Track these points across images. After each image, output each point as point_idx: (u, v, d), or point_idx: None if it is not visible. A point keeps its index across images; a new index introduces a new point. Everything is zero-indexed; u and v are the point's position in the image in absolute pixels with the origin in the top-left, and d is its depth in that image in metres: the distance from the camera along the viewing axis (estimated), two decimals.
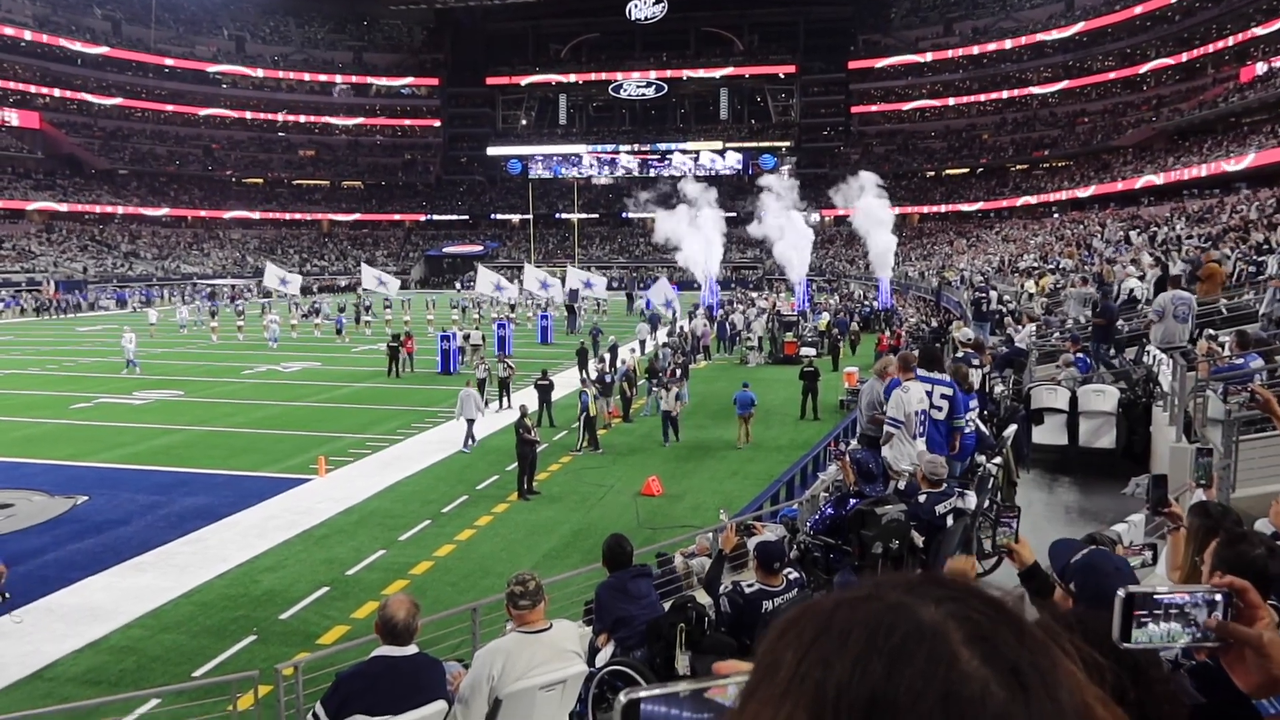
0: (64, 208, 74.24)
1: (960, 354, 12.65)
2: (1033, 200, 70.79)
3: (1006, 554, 3.58)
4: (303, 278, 53.88)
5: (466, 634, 6.77)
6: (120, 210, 78.96)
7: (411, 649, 4.67)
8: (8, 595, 9.84)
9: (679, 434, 20.36)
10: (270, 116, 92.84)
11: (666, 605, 6.28)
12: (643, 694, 0.99)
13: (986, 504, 8.37)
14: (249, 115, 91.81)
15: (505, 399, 23.95)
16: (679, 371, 24.75)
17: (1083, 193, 64.07)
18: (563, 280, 47.75)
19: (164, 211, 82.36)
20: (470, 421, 19.74)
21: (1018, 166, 79.27)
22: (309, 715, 4.71)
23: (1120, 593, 1.42)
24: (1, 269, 63.29)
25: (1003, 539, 3.94)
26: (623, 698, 0.99)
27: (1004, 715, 0.52)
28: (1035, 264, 36.44)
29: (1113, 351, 15.12)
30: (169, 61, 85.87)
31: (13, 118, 75.10)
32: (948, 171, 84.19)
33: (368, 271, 46.97)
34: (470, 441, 19.71)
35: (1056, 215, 62.52)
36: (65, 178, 77.57)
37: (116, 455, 18.79)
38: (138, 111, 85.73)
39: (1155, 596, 1.40)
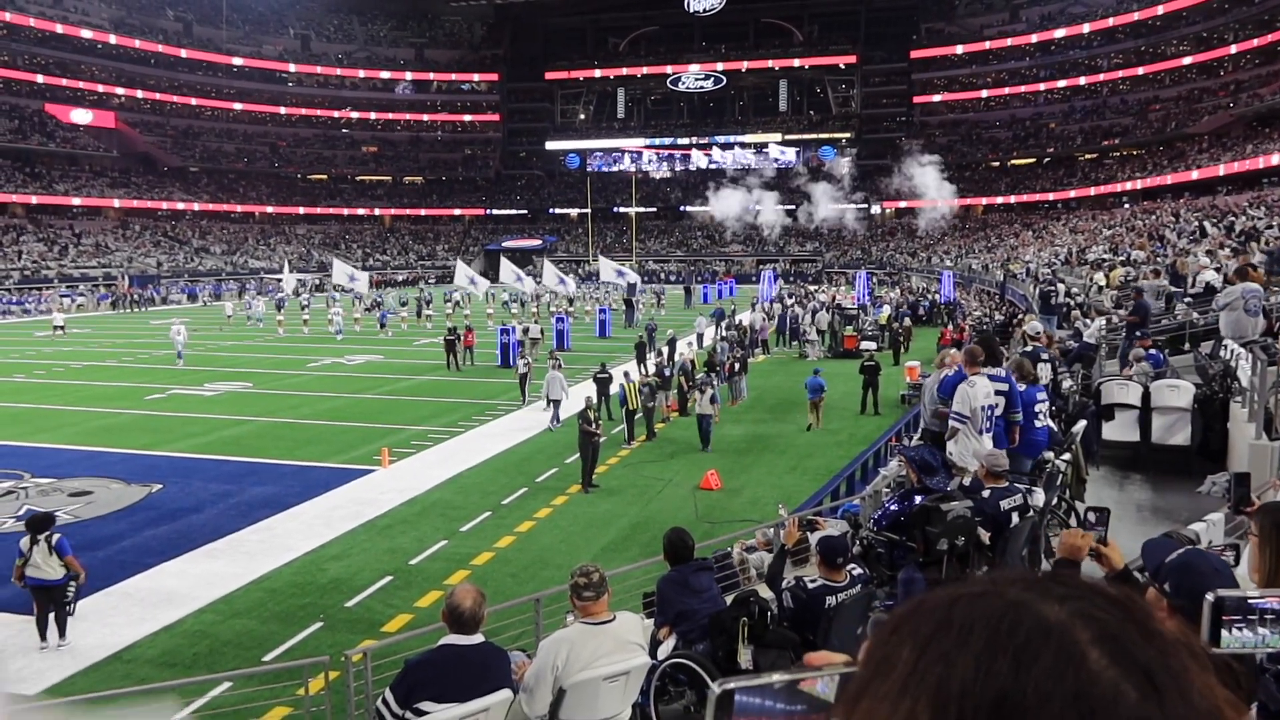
0: (138, 204, 76.50)
1: (1029, 348, 12.40)
2: (1102, 190, 69.03)
3: (1095, 557, 3.47)
4: (368, 273, 54.35)
5: (529, 624, 6.83)
6: (191, 207, 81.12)
7: (478, 638, 4.73)
8: (72, 608, 10.11)
9: (708, 443, 19.00)
10: (334, 114, 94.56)
11: (727, 599, 6.27)
12: (736, 684, 0.99)
13: (1054, 500, 8.20)
14: (314, 113, 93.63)
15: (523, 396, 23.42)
16: (738, 365, 24.69)
17: (1155, 182, 62.28)
18: (595, 274, 47.52)
19: (232, 208, 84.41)
20: (556, 402, 20.85)
21: (1087, 156, 77.27)
22: (378, 701, 4.80)
23: (1209, 597, 1.39)
24: (80, 264, 65.42)
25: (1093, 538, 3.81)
26: (716, 687, 0.99)
27: (1138, 717, 0.51)
28: (1105, 256, 35.52)
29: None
30: (238, 61, 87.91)
31: (90, 117, 77.59)
32: (1013, 161, 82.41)
33: (461, 269, 46.63)
34: (555, 422, 20.68)
35: (1127, 205, 60.89)
36: (139, 175, 79.91)
37: (189, 445, 19.32)
38: (208, 110, 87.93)
39: (1249, 601, 1.36)
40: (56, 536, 9.74)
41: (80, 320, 48.48)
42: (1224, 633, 1.40)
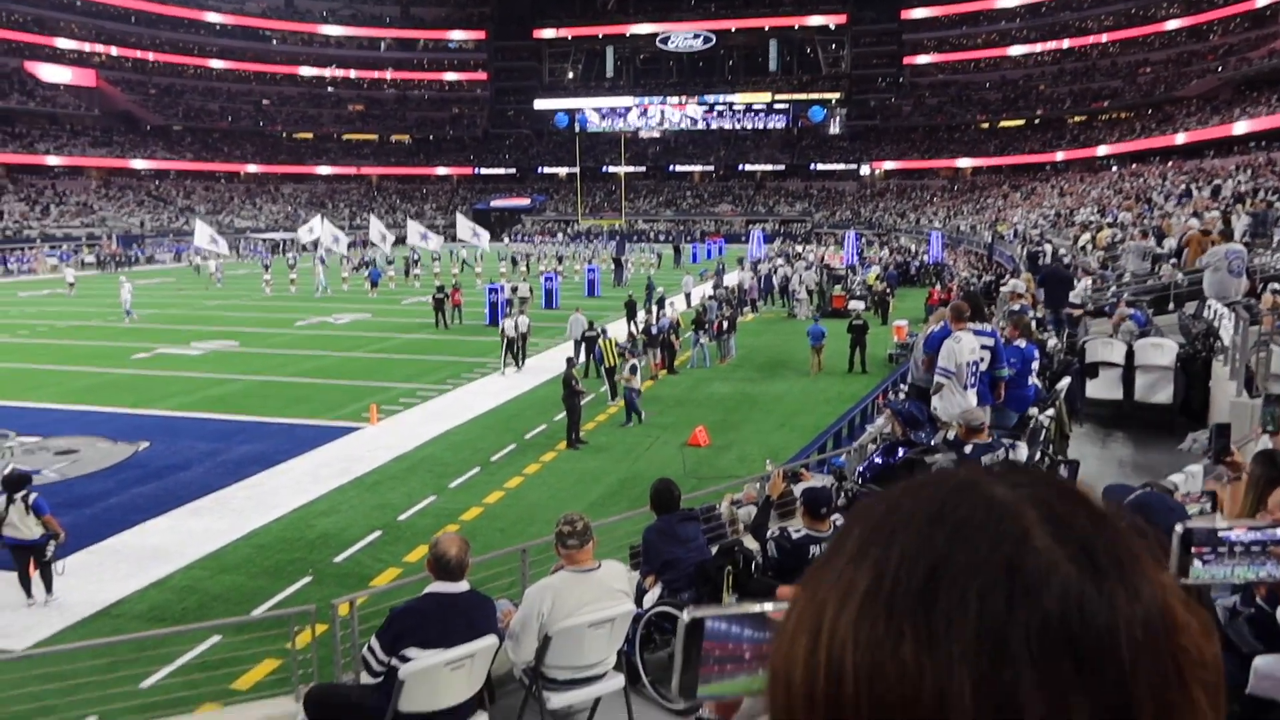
0: (120, 164, 75.53)
1: (1015, 306, 12.44)
2: (1091, 152, 68.88)
3: None
4: (352, 233, 54.08)
5: (516, 575, 6.88)
6: (175, 166, 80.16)
7: (463, 585, 4.76)
8: (60, 569, 10.14)
9: (640, 415, 17.91)
10: (319, 72, 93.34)
11: (713, 550, 6.33)
12: (705, 612, 0.99)
13: (1038, 456, 8.28)
14: (298, 71, 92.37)
15: (517, 360, 23.09)
16: (726, 324, 24.71)
17: (1143, 145, 62.17)
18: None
19: (217, 167, 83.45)
20: (577, 343, 22.14)
21: (1076, 118, 77.09)
22: (364, 649, 4.84)
23: (1178, 528, 1.39)
24: (63, 224, 64.71)
25: None
26: (686, 615, 0.99)
27: (1072, 593, 0.50)
28: (1092, 218, 35.57)
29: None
30: (219, 18, 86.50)
31: (70, 76, 76.33)
32: (1003, 123, 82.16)
33: (462, 222, 46.92)
34: (580, 359, 21.38)
35: (1115, 168, 60.79)
36: (121, 134, 78.80)
37: (175, 404, 19.26)
38: (190, 68, 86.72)
39: (1219, 533, 1.37)
40: (34, 496, 9.69)
41: (59, 281, 48.04)
42: (1193, 564, 1.40)
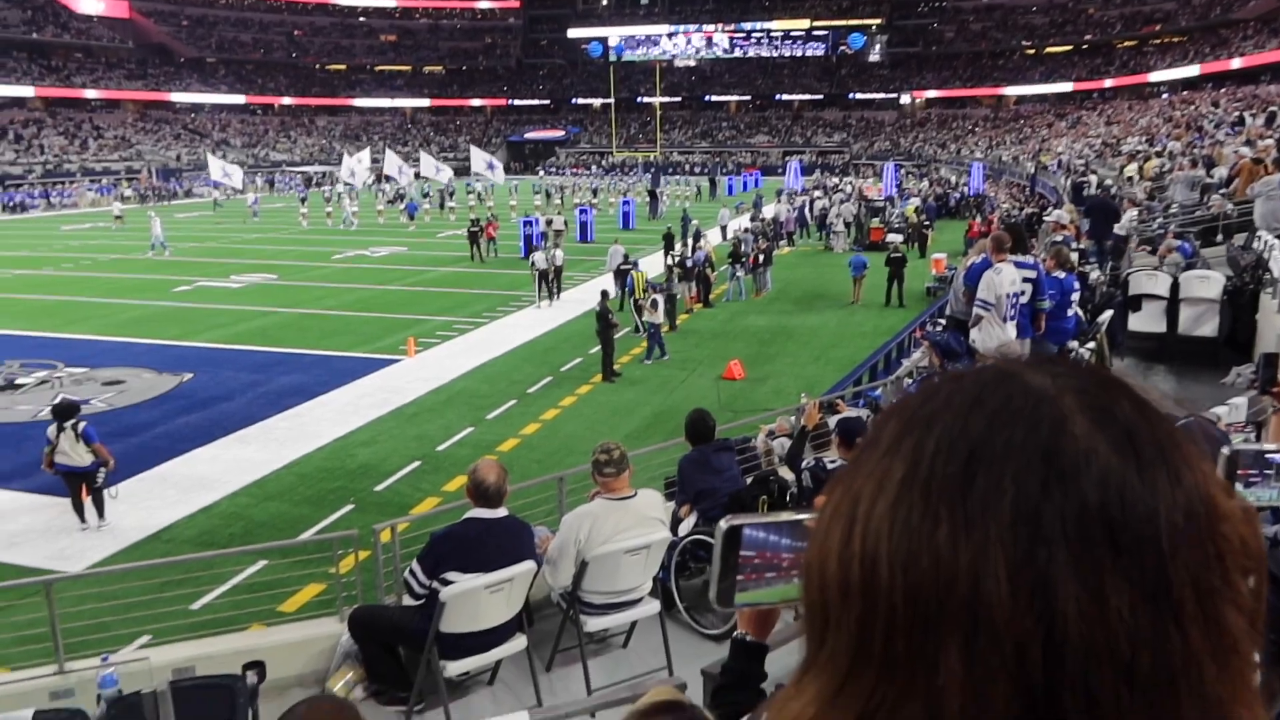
0: (157, 97, 75.64)
1: (1058, 238, 12.21)
2: (1141, 79, 66.62)
3: None
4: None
5: (553, 503, 6.97)
6: (210, 99, 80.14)
7: (502, 511, 4.84)
8: (113, 493, 10.46)
9: (664, 351, 17.80)
10: (352, 2, 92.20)
11: (748, 481, 6.37)
12: (743, 520, 0.99)
13: None
14: (331, 0, 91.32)
15: (552, 293, 23.06)
16: (762, 257, 24.52)
17: (1196, 71, 59.99)
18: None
19: (251, 100, 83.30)
20: (616, 274, 22.09)
21: (1125, 43, 74.31)
22: (405, 572, 4.95)
23: (1224, 450, 1.37)
24: (102, 158, 65.19)
25: None
26: (724, 523, 1.00)
27: (1111, 478, 0.49)
28: (1140, 147, 34.57)
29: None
30: None
31: (102, 7, 76.08)
32: (1049, 49, 79.44)
33: (476, 155, 46.78)
34: (618, 291, 21.27)
35: (1165, 95, 58.81)
36: (156, 68, 78.74)
37: (217, 336, 19.56)
38: None
39: (1265, 455, 1.35)
40: (82, 424, 9.96)
41: (105, 214, 48.59)
42: (1238, 487, 1.38)
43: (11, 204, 52.27)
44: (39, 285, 26.18)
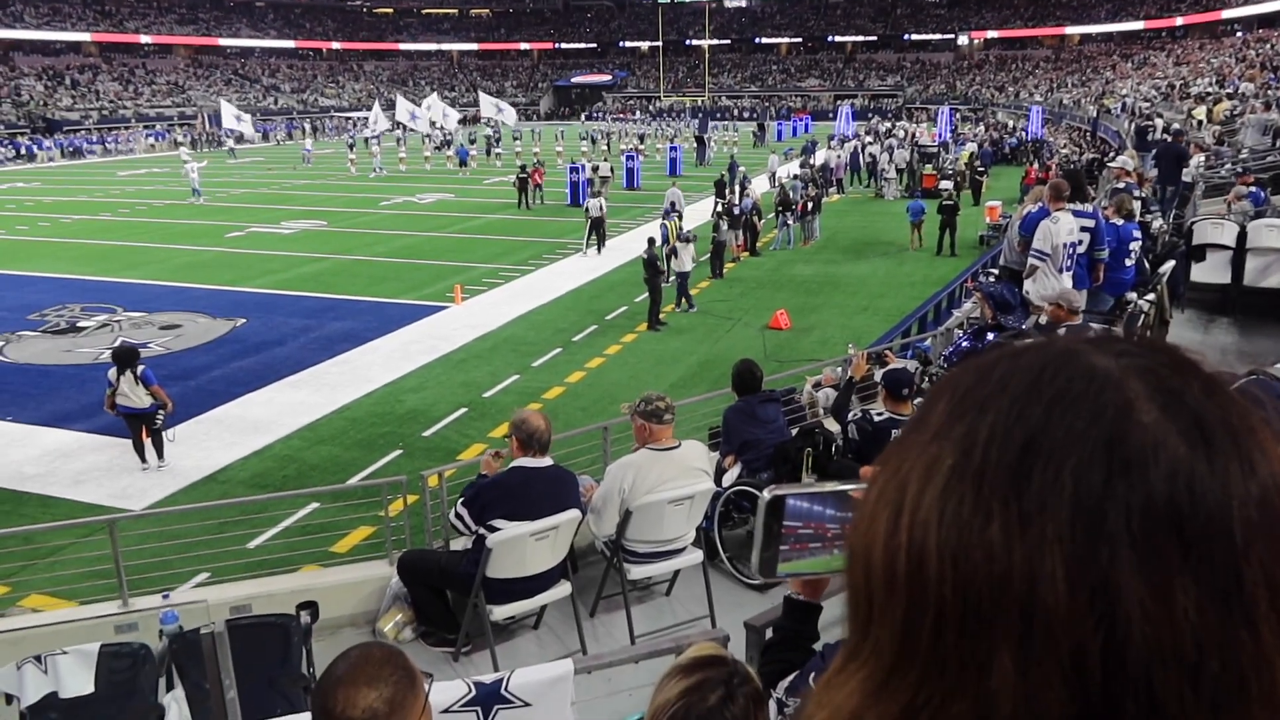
0: (208, 42, 76.10)
1: (1121, 185, 11.85)
2: (1215, 16, 63.86)
3: None
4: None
5: (597, 452, 7.02)
6: (259, 43, 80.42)
7: (547, 461, 4.88)
8: (171, 436, 10.75)
9: (691, 302, 17.58)
10: None
11: (793, 432, 6.34)
12: (786, 490, 0.97)
13: None
14: None
15: (601, 240, 22.79)
16: (811, 205, 24.18)
17: (1276, 5, 57.26)
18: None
19: (299, 44, 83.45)
20: (679, 214, 21.85)
21: None
22: (451, 513, 5.02)
23: None
24: (155, 103, 65.94)
25: None
26: (766, 493, 0.98)
27: (1180, 470, 0.46)
28: (1210, 89, 33.29)
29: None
30: None
31: None
32: None
33: (485, 100, 46.69)
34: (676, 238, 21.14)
35: (1240, 34, 56.38)
36: (206, 12, 79.12)
37: (269, 281, 19.84)
38: None
39: None
40: (141, 367, 10.20)
41: (159, 160, 49.29)
42: None
43: (70, 149, 53.18)
44: (97, 230, 26.72)
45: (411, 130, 48.22)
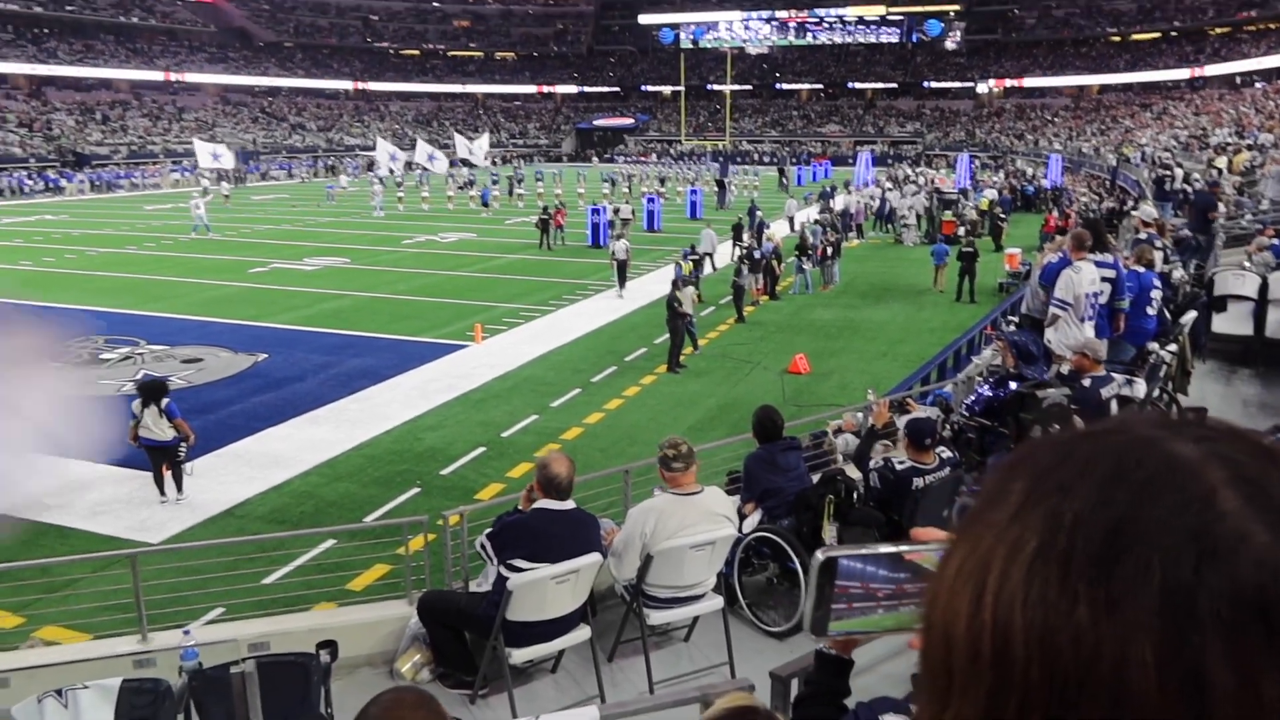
0: (236, 80, 77.57)
1: (1142, 235, 11.85)
2: (1233, 68, 64.05)
3: None
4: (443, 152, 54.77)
5: (616, 494, 7.01)
6: (286, 83, 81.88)
7: (570, 504, 4.88)
8: (190, 469, 10.82)
9: (695, 344, 17.38)
10: None
11: (814, 479, 6.32)
12: (839, 552, 0.98)
13: (1156, 393, 7.96)
14: None
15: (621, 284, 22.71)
16: (830, 250, 24.25)
17: None
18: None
19: (327, 84, 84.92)
20: (709, 255, 24.04)
21: (1218, 29, 71.54)
22: (477, 543, 5.02)
23: None
24: (183, 139, 67.02)
25: None
26: (820, 554, 0.99)
27: (1267, 559, 0.47)
28: (1229, 139, 33.35)
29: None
30: None
31: None
32: (1135, 36, 76.95)
33: (420, 146, 48.09)
34: (709, 270, 23.36)
35: (1260, 85, 56.50)
36: (236, 51, 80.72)
37: (291, 317, 20.02)
38: None
39: None
40: (166, 400, 10.29)
41: (185, 195, 49.96)
42: None
43: (99, 183, 54.08)
44: (123, 263, 27.08)
45: (426, 170, 48.95)
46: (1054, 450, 0.55)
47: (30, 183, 51.60)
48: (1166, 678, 0.46)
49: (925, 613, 0.57)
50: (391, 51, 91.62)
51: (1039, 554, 0.51)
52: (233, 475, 11.62)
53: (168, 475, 10.62)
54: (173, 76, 72.78)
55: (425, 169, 48.82)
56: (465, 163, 52.83)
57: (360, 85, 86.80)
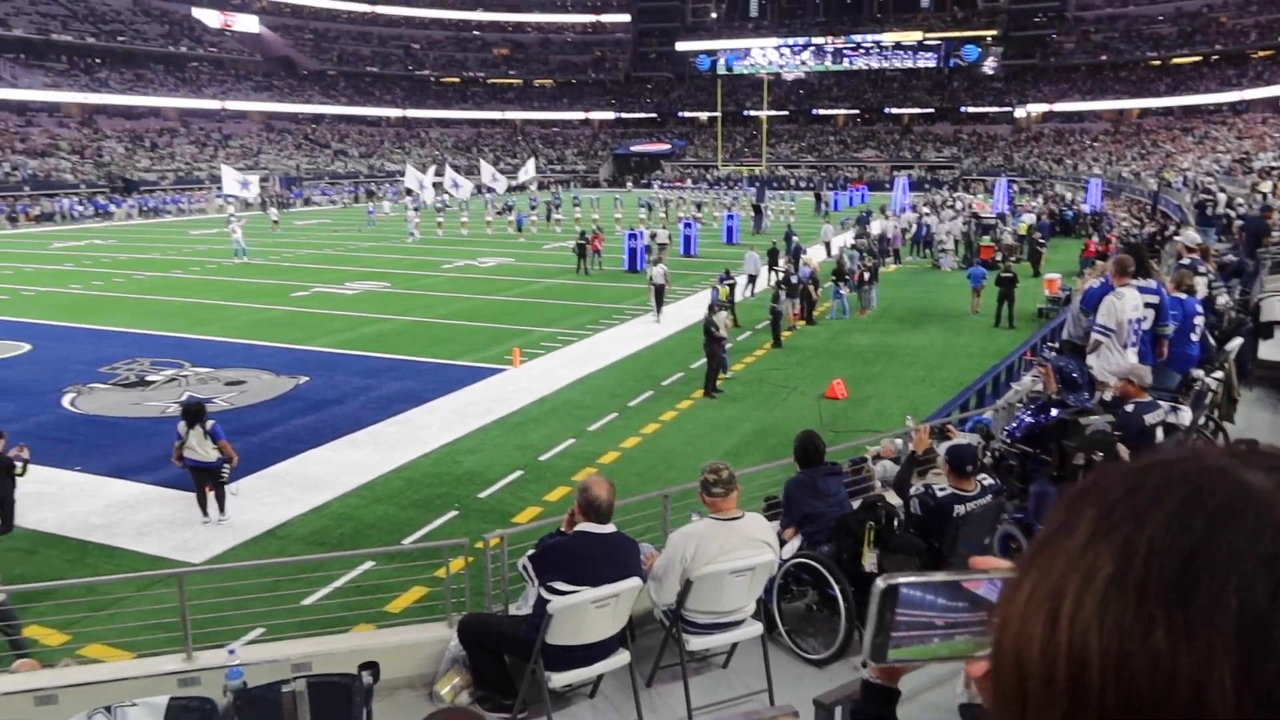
0: (281, 108, 79.17)
1: (1185, 260, 11.70)
2: (1277, 91, 63.15)
3: None
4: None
5: (656, 519, 7.01)
6: (329, 110, 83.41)
7: (610, 528, 4.90)
8: (235, 490, 11.00)
9: (726, 367, 16.94)
10: (466, 15, 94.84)
11: (854, 504, 6.28)
12: (901, 579, 1.00)
13: (1202, 420, 7.83)
14: (446, 14, 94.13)
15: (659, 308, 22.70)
16: (868, 275, 24.16)
17: None
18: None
19: (368, 111, 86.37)
20: (752, 278, 25.34)
21: (1261, 53, 70.60)
22: (519, 564, 5.05)
23: None
24: (229, 165, 68.48)
25: None
26: (881, 582, 1.01)
27: None
28: (1274, 163, 32.84)
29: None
30: None
31: (235, 22, 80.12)
32: (1176, 60, 76.17)
33: (410, 173, 49.03)
34: (749, 294, 24.73)
35: None
36: (280, 79, 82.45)
37: (332, 341, 20.29)
38: (344, 13, 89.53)
39: None
40: (210, 422, 10.47)
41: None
42: None
43: (146, 208, 55.29)
44: (169, 287, 27.63)
45: (451, 196, 49.72)
46: (1124, 479, 0.57)
47: (80, 208, 52.96)
48: (1243, 701, 0.48)
49: (996, 639, 0.58)
50: (432, 79, 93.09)
51: (1114, 580, 0.52)
52: (274, 496, 11.77)
53: (210, 496, 10.78)
54: (218, 104, 74.46)
55: (449, 195, 49.59)
56: (489, 189, 53.43)
57: (403, 112, 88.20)
